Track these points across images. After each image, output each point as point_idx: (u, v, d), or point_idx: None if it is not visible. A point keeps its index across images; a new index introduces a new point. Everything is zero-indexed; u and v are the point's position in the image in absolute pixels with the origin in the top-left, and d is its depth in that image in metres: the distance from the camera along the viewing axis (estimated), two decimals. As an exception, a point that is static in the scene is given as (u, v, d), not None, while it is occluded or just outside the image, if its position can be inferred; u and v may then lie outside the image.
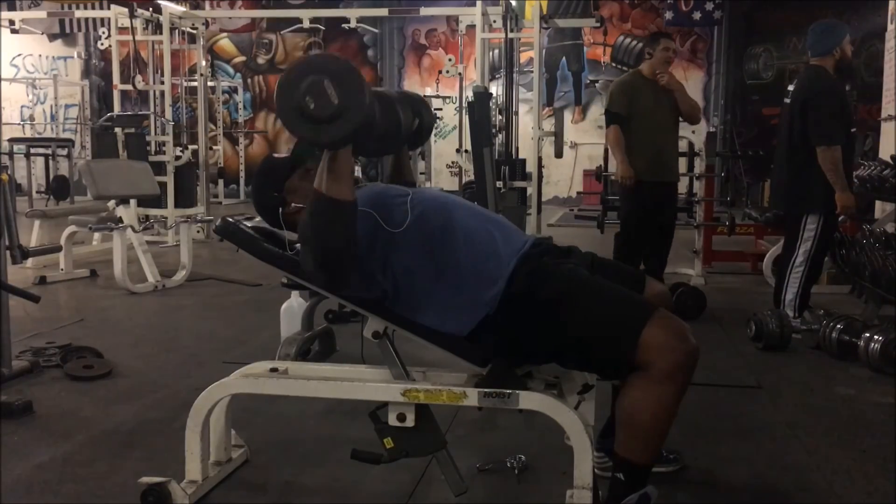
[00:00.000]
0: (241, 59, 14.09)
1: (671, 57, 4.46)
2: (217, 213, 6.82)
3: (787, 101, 3.86)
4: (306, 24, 7.97)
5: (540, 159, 6.61)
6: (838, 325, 3.45)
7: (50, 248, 4.71)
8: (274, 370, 2.04)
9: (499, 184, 5.68)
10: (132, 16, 7.52)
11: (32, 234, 5.78)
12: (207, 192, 8.00)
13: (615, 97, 4.41)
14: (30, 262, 4.73)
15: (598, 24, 8.49)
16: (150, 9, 7.73)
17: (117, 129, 7.28)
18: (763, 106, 12.58)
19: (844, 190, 3.63)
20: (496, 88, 8.23)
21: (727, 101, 12.63)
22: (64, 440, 2.42)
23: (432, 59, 13.38)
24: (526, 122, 8.05)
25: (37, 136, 13.21)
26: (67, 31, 13.00)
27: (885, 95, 5.97)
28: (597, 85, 13.12)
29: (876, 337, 3.24)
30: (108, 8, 8.31)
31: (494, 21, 7.22)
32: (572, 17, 11.38)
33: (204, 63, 8.50)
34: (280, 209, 1.91)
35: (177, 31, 7.99)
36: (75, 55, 13.76)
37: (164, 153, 7.38)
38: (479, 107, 5.20)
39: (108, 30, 8.14)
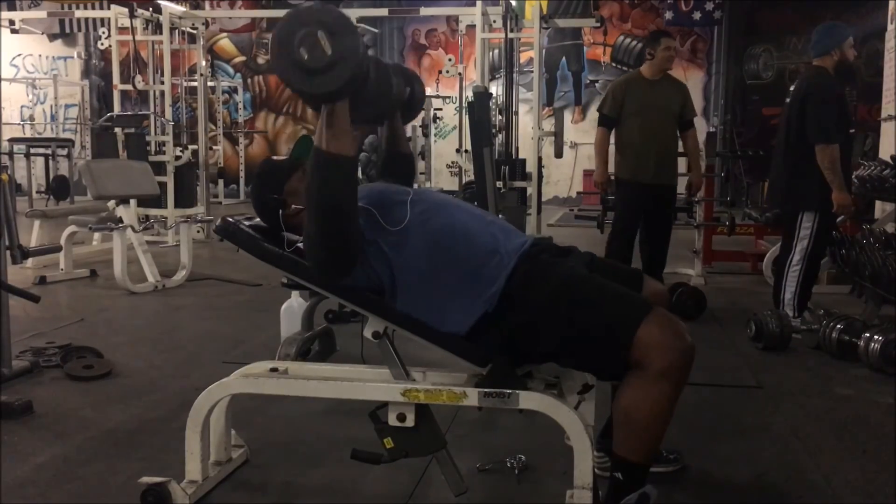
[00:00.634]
0: (241, 59, 14.09)
1: (673, 56, 4.46)
2: (217, 213, 6.82)
3: (788, 100, 3.87)
4: (306, 24, 7.95)
5: (540, 159, 6.60)
6: (838, 325, 3.45)
7: (50, 248, 4.70)
8: (274, 370, 2.04)
9: (499, 184, 5.68)
10: (132, 16, 7.52)
11: (32, 234, 5.78)
12: (207, 192, 8.00)
13: (606, 99, 4.44)
14: (30, 262, 4.73)
15: (598, 24, 8.50)
16: (150, 9, 7.73)
17: (117, 129, 7.28)
18: (763, 106, 12.58)
19: (841, 189, 3.63)
20: (496, 88, 8.24)
21: (727, 101, 12.63)
22: (64, 440, 2.42)
23: (432, 59, 13.39)
24: (526, 122, 8.06)
25: (37, 136, 13.21)
26: (67, 31, 13.00)
27: (885, 95, 5.97)
28: (597, 85, 13.13)
29: (876, 337, 3.24)
30: (108, 8, 8.31)
31: (494, 21, 7.22)
32: (572, 17, 11.38)
33: (204, 63, 8.50)
34: (280, 211, 1.91)
35: (177, 31, 7.99)
36: (75, 55, 13.76)
37: (164, 153, 7.38)
38: (479, 107, 5.20)
39: (108, 30, 8.14)
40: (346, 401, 2.05)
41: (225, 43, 14.04)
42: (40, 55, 13.98)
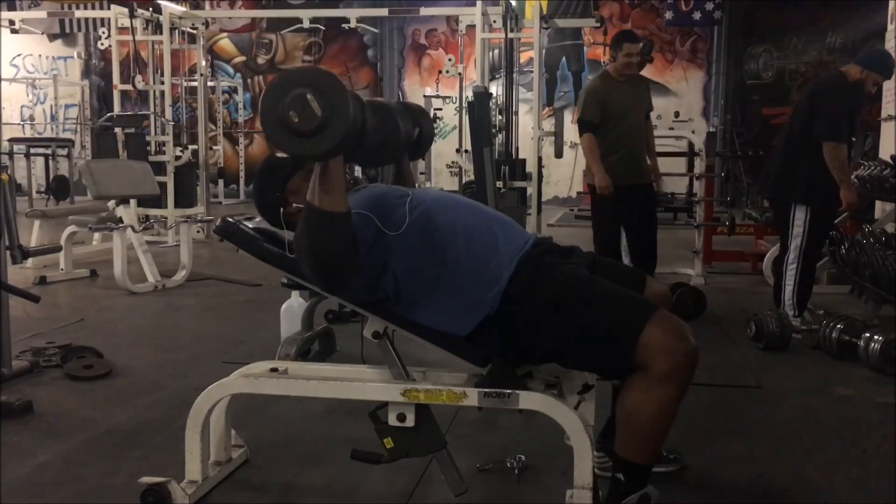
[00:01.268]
0: (241, 59, 14.09)
1: (633, 63, 4.43)
2: (217, 213, 6.82)
3: (801, 96, 3.92)
4: (306, 24, 7.97)
5: (540, 159, 6.60)
6: (838, 325, 3.45)
7: (50, 248, 4.70)
8: (274, 370, 2.04)
9: (499, 184, 5.68)
10: (132, 16, 7.52)
11: (32, 234, 5.77)
12: (207, 192, 8.00)
13: (587, 105, 4.35)
14: (30, 262, 4.73)
15: (598, 24, 8.50)
16: (150, 9, 7.73)
17: (117, 129, 7.29)
18: (763, 106, 12.59)
19: (849, 187, 3.64)
20: (496, 88, 8.23)
21: (727, 101, 12.63)
22: (64, 440, 2.42)
23: (432, 59, 13.38)
24: (526, 122, 8.06)
25: (37, 136, 13.22)
26: (67, 31, 13.01)
27: (885, 95, 5.97)
28: (597, 85, 13.09)
29: (876, 337, 3.24)
30: (108, 8, 8.31)
31: (494, 21, 7.22)
32: (572, 17, 11.40)
33: (204, 63, 8.50)
34: (282, 209, 1.91)
35: (177, 31, 7.99)
36: (75, 55, 13.76)
37: (164, 153, 7.38)
38: (479, 107, 5.20)
39: (108, 30, 8.14)
40: (346, 401, 2.05)
41: (225, 43, 14.04)
42: (40, 55, 13.98)
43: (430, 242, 1.79)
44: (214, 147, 11.93)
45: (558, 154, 7.21)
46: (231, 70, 14.11)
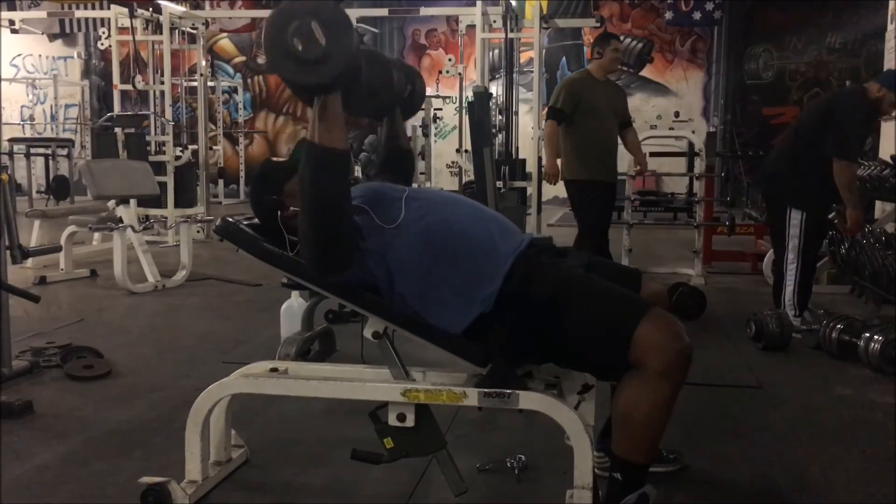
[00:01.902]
0: (241, 59, 14.09)
1: (619, 59, 4.60)
2: (217, 213, 6.82)
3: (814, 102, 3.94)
4: (306, 24, 7.96)
5: (540, 159, 6.59)
6: (838, 325, 3.45)
7: (50, 248, 4.70)
8: (274, 370, 2.04)
9: (499, 184, 5.68)
10: (132, 16, 7.52)
11: (32, 234, 5.77)
12: (207, 192, 8.00)
13: (563, 95, 4.43)
14: (30, 262, 4.72)
15: (598, 24, 8.51)
16: (150, 9, 7.73)
17: (117, 129, 7.28)
18: (763, 106, 12.59)
19: (857, 207, 3.68)
20: (496, 88, 8.23)
21: (727, 101, 12.63)
22: (64, 440, 2.41)
23: (432, 59, 13.38)
24: (526, 122, 8.06)
25: (37, 136, 13.22)
26: (67, 31, 13.00)
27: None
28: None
29: (876, 337, 3.24)
30: (108, 8, 8.31)
31: (494, 21, 7.22)
32: (572, 17, 11.39)
33: (204, 63, 8.50)
34: (279, 212, 1.91)
35: (177, 31, 7.99)
36: (75, 55, 13.77)
37: (164, 153, 7.38)
38: (479, 107, 5.19)
39: (108, 30, 8.14)
40: (346, 401, 2.05)
41: (225, 43, 14.04)
42: (40, 55, 13.98)
43: (424, 238, 1.79)
44: (214, 147, 11.93)
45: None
46: (231, 70, 14.11)
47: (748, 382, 3.15)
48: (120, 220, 4.91)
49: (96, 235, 6.15)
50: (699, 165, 5.98)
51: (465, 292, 1.76)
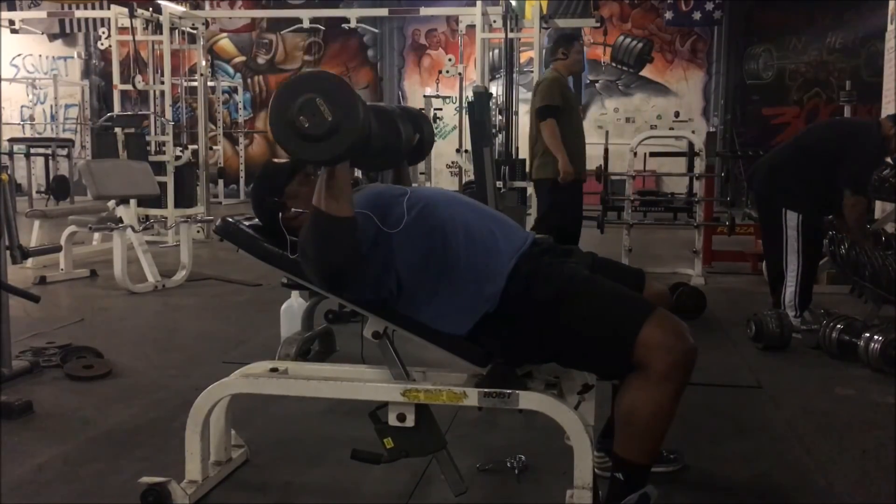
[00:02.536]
0: (241, 59, 14.10)
1: (583, 59, 4.71)
2: (217, 213, 6.82)
3: (834, 117, 4.01)
4: (306, 24, 7.97)
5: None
6: (838, 325, 3.45)
7: (50, 248, 4.70)
8: (274, 370, 2.04)
9: (499, 184, 5.68)
10: (132, 16, 7.52)
11: (32, 234, 5.77)
12: (207, 192, 8.00)
13: (552, 91, 4.39)
14: (30, 262, 4.72)
15: (598, 24, 8.52)
16: (150, 9, 7.73)
17: (117, 129, 7.28)
18: (763, 106, 12.59)
19: (864, 238, 3.80)
20: (496, 88, 8.23)
21: (727, 101, 12.63)
22: (64, 440, 2.41)
23: (432, 59, 13.38)
24: (526, 122, 8.02)
25: (37, 136, 13.22)
26: (67, 31, 13.00)
27: (885, 95, 5.97)
28: (597, 85, 13.13)
29: (876, 337, 3.24)
30: (108, 8, 8.32)
31: (494, 21, 7.22)
32: (572, 17, 11.36)
33: (204, 63, 8.50)
34: (280, 214, 1.91)
35: (177, 31, 7.99)
36: (75, 55, 13.77)
37: (164, 153, 7.38)
38: (479, 107, 5.19)
39: (108, 30, 8.15)
40: (346, 401, 2.05)
41: (225, 43, 14.04)
42: (40, 55, 13.98)
43: (429, 239, 1.78)
44: (214, 147, 11.93)
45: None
46: (231, 70, 14.11)
47: (748, 382, 3.15)
48: (120, 220, 4.91)
49: (96, 235, 6.15)
50: (699, 165, 5.98)
51: (469, 292, 1.76)
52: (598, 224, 5.91)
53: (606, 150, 9.63)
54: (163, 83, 7.73)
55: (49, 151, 10.56)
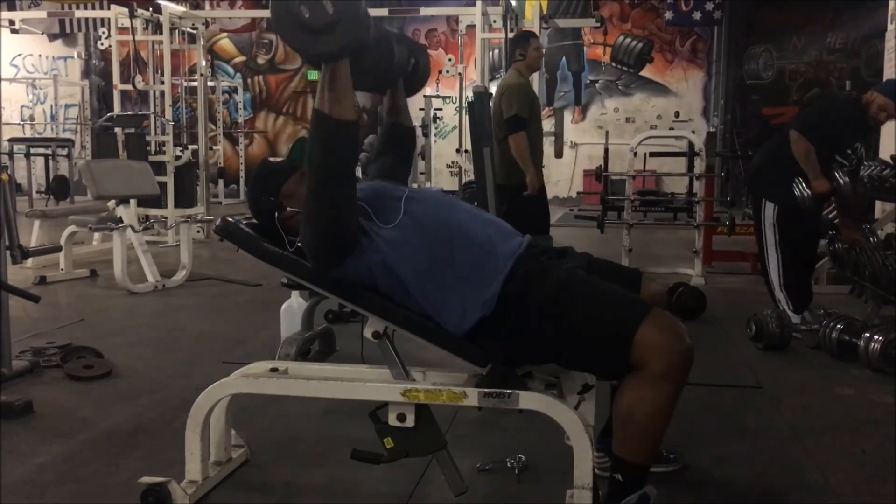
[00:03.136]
0: (241, 59, 14.10)
1: (541, 55, 4.52)
2: (217, 213, 6.81)
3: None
4: (306, 25, 7.96)
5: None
6: (838, 325, 3.45)
7: (50, 248, 4.71)
8: (274, 370, 2.04)
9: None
10: (132, 16, 7.52)
11: (32, 234, 5.77)
12: (207, 192, 8.00)
13: (521, 101, 4.26)
14: (30, 262, 4.73)
15: (598, 24, 8.53)
16: (150, 9, 7.74)
17: (117, 129, 7.28)
18: (763, 106, 12.59)
19: (816, 176, 3.70)
20: (496, 88, 8.21)
21: (727, 101, 12.64)
22: (64, 440, 2.41)
23: (432, 59, 13.34)
24: (526, 122, 8.03)
25: (37, 136, 13.22)
26: (67, 31, 13.00)
27: (885, 95, 5.95)
28: (597, 85, 13.14)
29: (876, 337, 3.24)
30: (108, 8, 8.32)
31: (494, 21, 7.23)
32: (572, 17, 11.39)
33: (204, 63, 8.50)
34: (276, 213, 1.91)
35: (177, 31, 8.00)
36: (75, 55, 13.76)
37: (164, 153, 7.38)
38: (479, 107, 5.19)
39: (108, 30, 8.15)
40: (346, 401, 2.05)
41: (225, 43, 14.04)
42: (40, 55, 13.98)
43: (425, 241, 1.78)
44: (214, 147, 11.94)
45: (558, 154, 7.21)
46: (231, 70, 14.11)
47: (748, 382, 3.15)
48: (120, 220, 4.91)
49: (96, 235, 6.16)
50: (699, 165, 5.98)
51: (466, 294, 1.76)
52: (599, 224, 5.91)
53: (606, 150, 9.64)
54: (163, 83, 7.73)
55: (49, 151, 10.56)
